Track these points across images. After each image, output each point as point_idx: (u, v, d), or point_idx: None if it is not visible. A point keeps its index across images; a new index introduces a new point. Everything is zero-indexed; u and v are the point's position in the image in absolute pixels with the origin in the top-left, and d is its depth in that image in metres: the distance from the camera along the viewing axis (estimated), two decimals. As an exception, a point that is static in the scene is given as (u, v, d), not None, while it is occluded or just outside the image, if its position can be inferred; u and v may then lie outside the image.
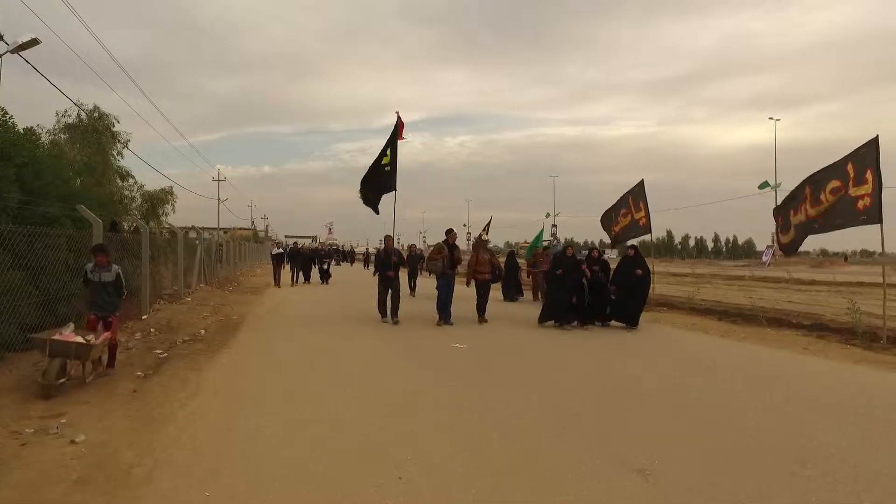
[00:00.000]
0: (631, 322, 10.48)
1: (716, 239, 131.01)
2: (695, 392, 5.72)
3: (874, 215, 8.63)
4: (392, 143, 11.70)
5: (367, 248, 49.30)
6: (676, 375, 6.47)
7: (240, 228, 61.97)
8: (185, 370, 6.52)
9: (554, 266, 10.85)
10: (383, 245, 11.40)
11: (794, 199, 9.59)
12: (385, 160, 11.63)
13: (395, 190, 11.54)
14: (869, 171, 8.72)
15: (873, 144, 8.81)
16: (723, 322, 11.28)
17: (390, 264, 10.79)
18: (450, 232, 11.05)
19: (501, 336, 9.29)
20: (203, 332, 9.38)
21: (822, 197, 9.13)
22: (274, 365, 6.93)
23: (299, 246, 25.43)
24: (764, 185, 44.14)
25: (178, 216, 32.91)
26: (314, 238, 46.04)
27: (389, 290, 10.76)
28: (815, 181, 9.30)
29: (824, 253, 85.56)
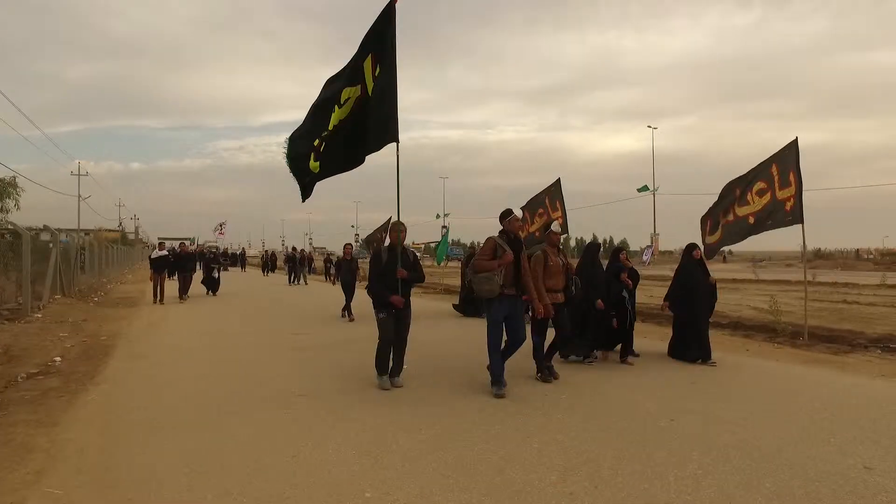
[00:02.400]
0: (703, 354, 7.33)
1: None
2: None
3: (797, 216, 8.70)
4: (380, 47, 6.02)
5: (266, 251, 45.28)
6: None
7: (106, 230, 55.81)
8: (28, 427, 4.53)
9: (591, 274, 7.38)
10: (383, 242, 9.17)
11: (722, 202, 9.52)
12: (368, 85, 6.14)
13: (398, 141, 5.98)
14: (791, 174, 8.78)
15: (793, 147, 8.88)
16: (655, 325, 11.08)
17: (396, 282, 5.86)
18: (508, 215, 5.91)
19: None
20: (59, 360, 7.33)
21: (749, 198, 9.12)
22: (171, 409, 5.16)
23: (189, 248, 20.02)
24: (643, 188, 47.02)
25: (26, 215, 28.58)
26: (192, 240, 42.06)
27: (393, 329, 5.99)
28: (745, 182, 9.26)
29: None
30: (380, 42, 6.03)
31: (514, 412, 5.12)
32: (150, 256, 17.99)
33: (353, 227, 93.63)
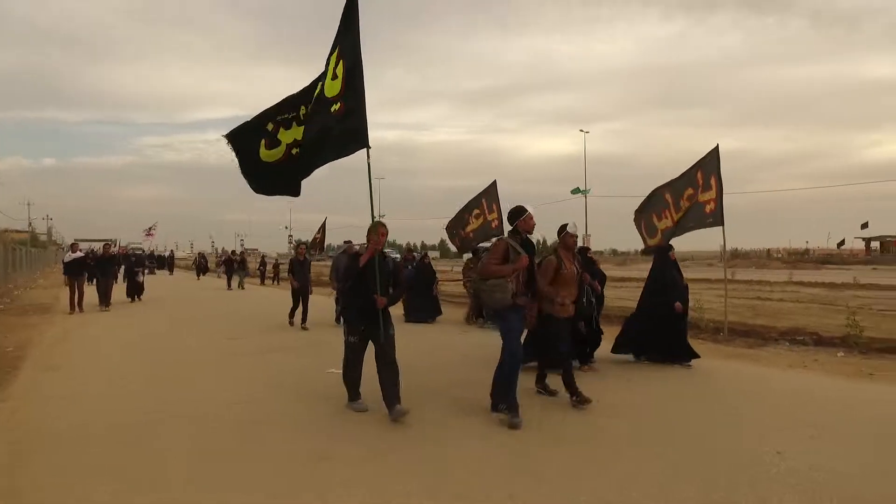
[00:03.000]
0: (685, 356, 7.26)
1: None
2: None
3: (718, 218, 9.22)
4: (347, 43, 5.39)
5: (199, 253, 42.94)
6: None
7: (14, 231, 51.95)
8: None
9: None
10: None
11: (654, 204, 9.93)
12: (333, 83, 5.40)
13: (369, 146, 5.33)
14: (713, 178, 9.30)
15: (715, 153, 9.41)
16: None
17: (372, 288, 5.01)
18: (522, 213, 5.11)
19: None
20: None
21: (682, 203, 9.57)
22: (87, 425, 4.77)
23: (112, 250, 17.54)
24: (576, 190, 48.43)
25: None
26: (113, 241, 39.80)
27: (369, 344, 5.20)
28: (675, 189, 9.70)
29: (614, 252, 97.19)
30: (346, 39, 5.35)
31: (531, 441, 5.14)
32: (63, 260, 16.00)
33: (286, 227, 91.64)
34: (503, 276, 4.82)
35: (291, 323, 11.26)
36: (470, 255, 13.64)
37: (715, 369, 7.15)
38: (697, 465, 3.89)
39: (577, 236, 5.77)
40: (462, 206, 15.05)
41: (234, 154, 5.73)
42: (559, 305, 5.34)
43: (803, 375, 6.93)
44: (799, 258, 52.81)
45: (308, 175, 5.69)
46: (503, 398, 4.90)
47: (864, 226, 58.52)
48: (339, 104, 5.30)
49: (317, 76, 5.56)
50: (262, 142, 5.62)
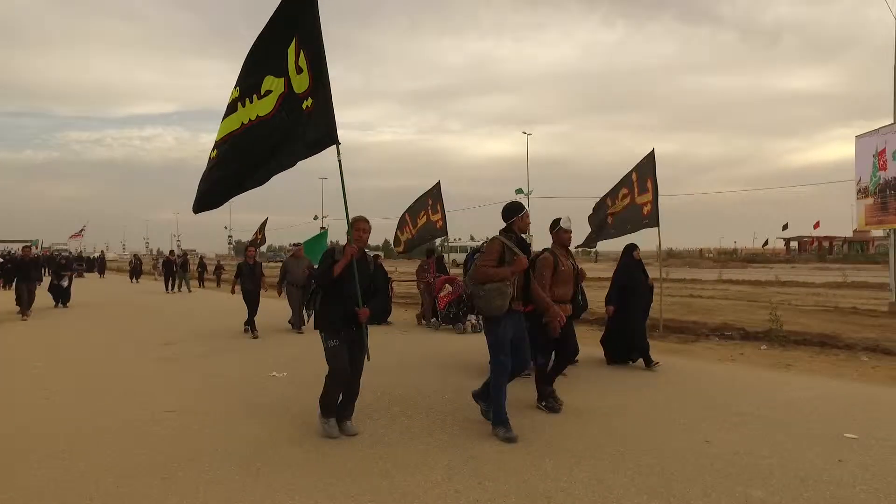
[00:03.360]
0: (644, 356, 7.21)
1: (471, 239, 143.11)
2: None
3: (654, 219, 9.59)
4: (304, 32, 4.77)
5: (135, 255, 40.67)
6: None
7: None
8: None
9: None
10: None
11: (601, 208, 10.24)
12: (300, 77, 4.79)
13: (339, 143, 4.77)
14: (649, 181, 9.67)
15: (651, 157, 9.79)
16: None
17: (355, 297, 4.51)
18: (519, 210, 4.76)
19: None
20: None
21: (618, 204, 9.90)
22: (7, 439, 4.56)
23: (34, 252, 16.31)
24: (518, 191, 49.18)
25: None
26: (34, 243, 37.31)
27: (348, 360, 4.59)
28: (612, 192, 10.03)
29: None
30: (303, 26, 4.74)
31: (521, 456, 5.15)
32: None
33: (226, 228, 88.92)
34: (501, 279, 4.41)
35: (247, 332, 10.42)
36: (426, 255, 13.47)
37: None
38: (633, 456, 4.05)
39: (571, 231, 5.48)
40: (407, 207, 15.11)
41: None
42: (561, 305, 5.06)
43: (731, 368, 7.32)
44: (728, 257, 55.52)
45: (264, 181, 5.05)
46: (493, 412, 4.59)
47: (785, 227, 62.27)
48: (309, 100, 4.73)
49: (263, 64, 4.94)
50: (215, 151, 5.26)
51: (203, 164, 5.25)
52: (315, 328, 4.57)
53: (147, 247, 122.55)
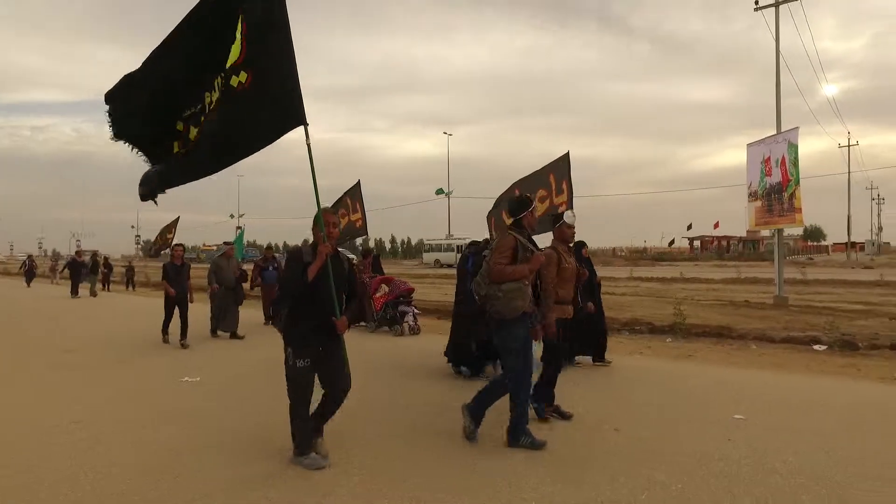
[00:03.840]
0: (600, 353, 7.39)
1: (392, 240, 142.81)
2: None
3: (558, 219, 10.00)
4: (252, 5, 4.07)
5: (29, 255, 36.42)
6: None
7: None
8: None
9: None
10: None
11: (503, 204, 10.50)
12: (234, 48, 4.11)
13: (307, 124, 4.04)
14: (564, 183, 10.06)
15: (566, 158, 10.20)
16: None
17: (329, 305, 3.93)
18: (526, 205, 4.45)
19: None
20: None
21: (539, 207, 10.23)
22: None
23: None
24: (439, 191, 49.65)
25: None
26: None
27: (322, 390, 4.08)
28: (525, 186, 10.33)
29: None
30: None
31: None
32: None
33: (133, 227, 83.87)
34: (519, 278, 4.15)
35: (166, 339, 9.39)
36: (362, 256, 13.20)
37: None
38: (546, 453, 4.26)
39: (574, 227, 5.05)
40: (325, 207, 14.83)
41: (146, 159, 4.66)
42: (562, 307, 4.81)
43: (639, 361, 7.81)
44: (639, 256, 58.51)
45: (212, 171, 4.41)
46: (476, 409, 4.41)
47: (689, 227, 66.40)
48: (245, 74, 4.00)
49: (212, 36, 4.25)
50: (175, 144, 4.56)
51: (110, 158, 4.80)
52: (286, 341, 3.91)
53: (40, 247, 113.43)
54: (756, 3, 23.13)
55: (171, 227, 20.76)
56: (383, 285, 11.15)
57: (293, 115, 4.01)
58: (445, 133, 53.11)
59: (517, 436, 4.25)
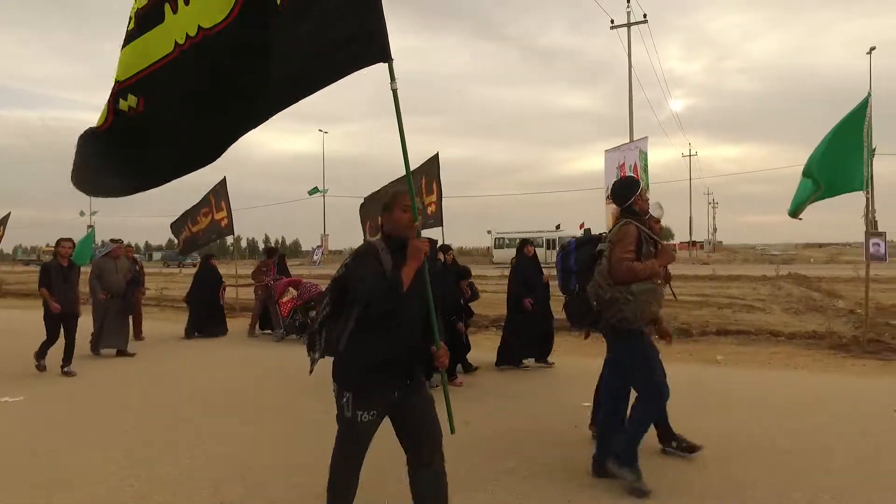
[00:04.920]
0: (545, 355, 7.24)
1: (266, 240, 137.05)
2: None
3: (439, 219, 10.27)
4: None
5: None
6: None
7: None
8: None
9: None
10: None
11: (381, 198, 10.51)
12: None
13: (391, 59, 2.93)
14: (434, 183, 10.29)
15: (436, 159, 10.42)
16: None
17: (414, 325, 2.73)
18: (635, 187, 3.74)
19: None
20: None
21: (419, 205, 10.35)
22: None
23: None
24: (314, 190, 48.45)
25: None
26: None
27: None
28: (402, 191, 10.42)
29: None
30: None
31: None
32: None
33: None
34: (652, 276, 3.49)
35: (42, 366, 7.09)
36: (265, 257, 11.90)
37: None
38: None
39: (660, 221, 4.16)
40: (191, 204, 13.93)
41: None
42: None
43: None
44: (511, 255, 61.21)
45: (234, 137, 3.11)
46: (622, 448, 3.53)
47: (558, 227, 70.51)
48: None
49: None
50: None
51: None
52: (342, 382, 2.66)
53: None
54: (612, 22, 25.23)
55: (1, 222, 18.30)
56: (291, 288, 10.05)
57: (372, 49, 2.92)
58: (321, 131, 51.71)
59: (621, 463, 3.47)
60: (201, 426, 4.83)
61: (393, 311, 2.58)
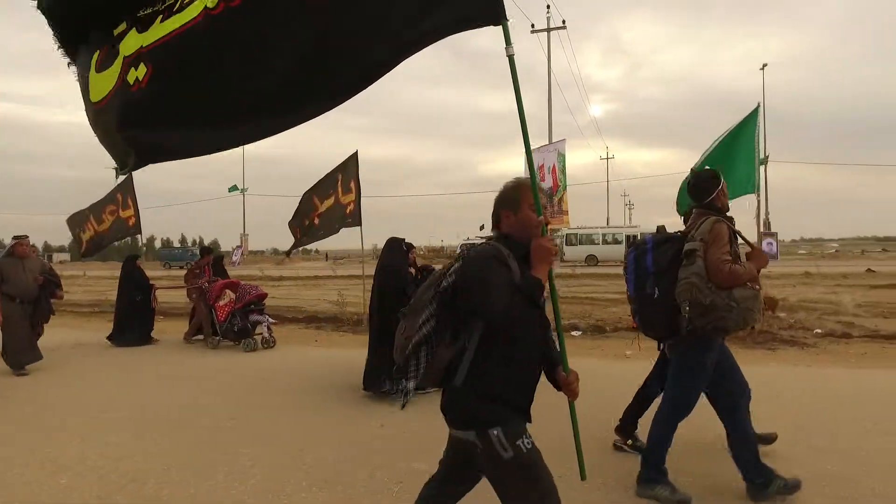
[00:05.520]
0: None
1: (182, 240, 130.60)
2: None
3: (357, 219, 10.12)
4: None
5: None
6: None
7: None
8: None
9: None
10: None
11: (304, 209, 10.28)
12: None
13: (506, 19, 2.45)
14: (352, 182, 10.14)
15: (354, 158, 10.28)
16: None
17: (540, 341, 2.31)
18: (717, 182, 3.49)
19: None
20: None
21: (325, 204, 10.13)
22: None
23: None
24: (233, 188, 46.78)
25: None
26: None
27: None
28: (320, 191, 10.22)
29: (275, 251, 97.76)
30: None
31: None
32: None
33: None
34: (752, 280, 3.27)
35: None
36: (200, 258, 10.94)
37: (349, 358, 7.76)
38: (312, 452, 4.19)
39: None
40: (94, 201, 13.01)
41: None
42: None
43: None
44: (436, 255, 61.47)
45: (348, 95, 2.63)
46: (754, 470, 3.27)
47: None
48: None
49: None
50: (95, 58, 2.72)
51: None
52: (479, 421, 2.12)
53: None
54: (532, 26, 25.90)
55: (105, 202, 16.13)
56: (228, 291, 9.26)
57: (484, 8, 2.45)
58: None
59: (649, 480, 3.31)
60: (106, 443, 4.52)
61: (527, 330, 2.17)
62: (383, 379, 5.28)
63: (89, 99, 2.74)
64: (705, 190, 3.46)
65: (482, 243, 2.25)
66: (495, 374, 2.11)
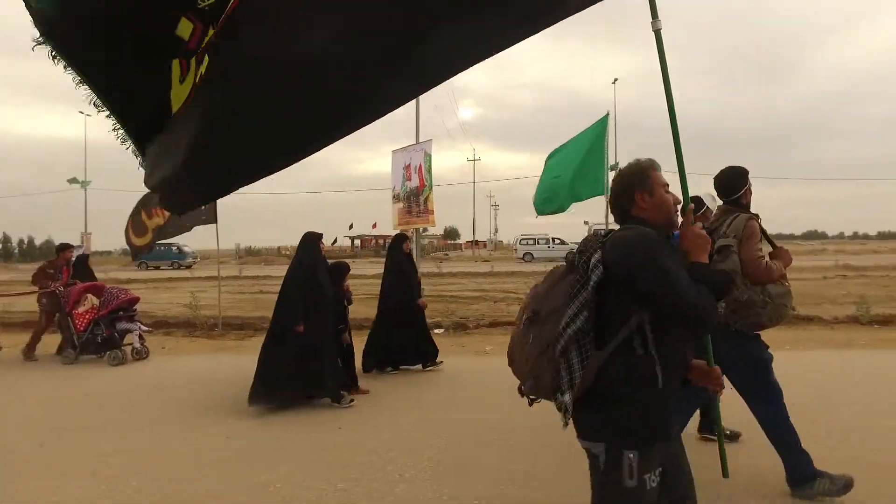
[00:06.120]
0: (434, 358, 6.77)
1: (6, 239, 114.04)
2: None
3: (212, 216, 9.55)
4: None
5: None
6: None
7: None
8: None
9: None
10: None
11: (146, 202, 9.46)
12: None
13: None
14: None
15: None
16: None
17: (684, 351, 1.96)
18: (745, 178, 3.46)
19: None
20: None
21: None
22: None
23: None
24: (73, 180, 41.96)
25: None
26: None
27: None
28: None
29: (126, 251, 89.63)
30: None
31: None
32: None
33: None
34: (781, 276, 3.28)
35: None
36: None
37: (199, 362, 7.31)
38: (131, 450, 3.84)
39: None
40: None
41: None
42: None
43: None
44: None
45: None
46: (800, 465, 3.21)
47: (351, 227, 70.91)
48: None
49: None
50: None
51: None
52: (617, 435, 1.78)
53: None
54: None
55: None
56: (90, 296, 7.86)
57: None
58: (82, 113, 42.62)
59: (802, 480, 3.20)
60: None
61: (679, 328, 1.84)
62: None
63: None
64: (734, 186, 3.43)
65: (625, 227, 1.91)
66: (656, 375, 1.76)
